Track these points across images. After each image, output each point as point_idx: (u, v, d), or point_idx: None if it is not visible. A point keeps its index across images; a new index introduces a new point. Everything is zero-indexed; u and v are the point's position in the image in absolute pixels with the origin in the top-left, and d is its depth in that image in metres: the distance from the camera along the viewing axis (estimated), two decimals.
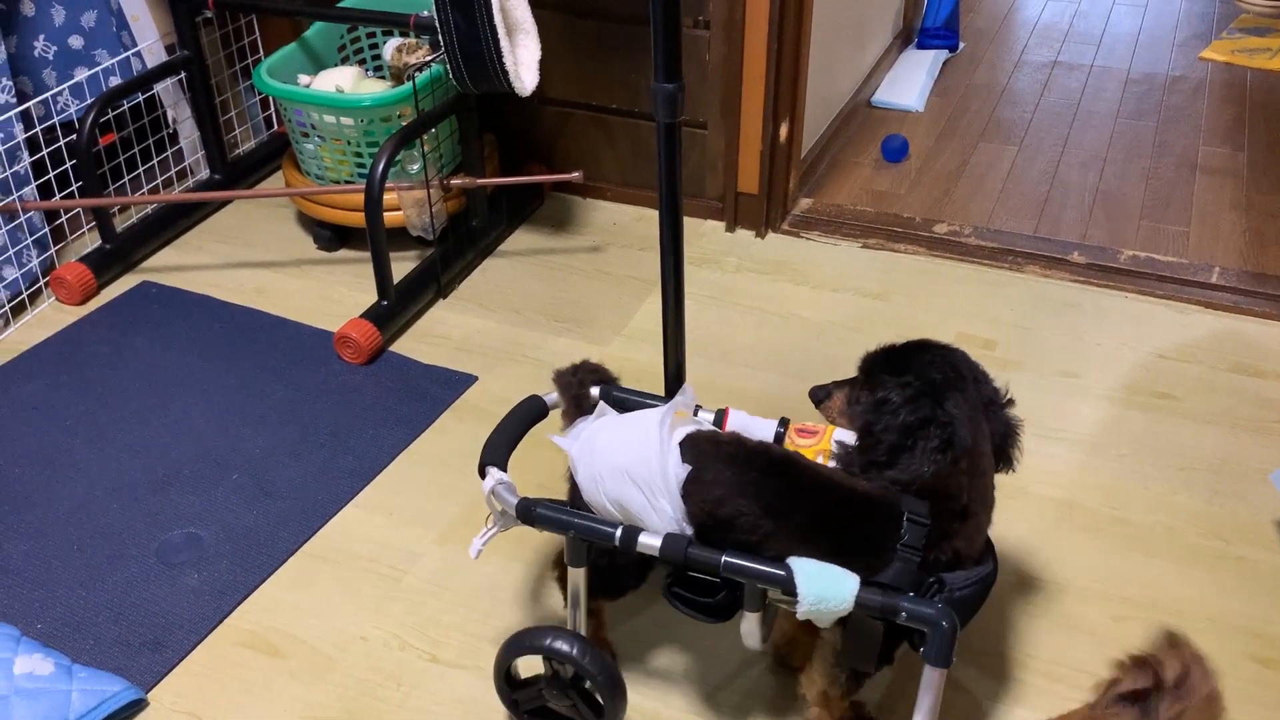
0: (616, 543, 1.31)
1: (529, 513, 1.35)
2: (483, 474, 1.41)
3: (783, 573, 1.24)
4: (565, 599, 1.50)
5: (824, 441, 1.45)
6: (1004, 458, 1.37)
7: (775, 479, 1.31)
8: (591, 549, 1.38)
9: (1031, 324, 2.35)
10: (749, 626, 1.34)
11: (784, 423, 1.49)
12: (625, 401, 1.53)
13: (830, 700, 1.42)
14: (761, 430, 1.49)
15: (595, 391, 1.53)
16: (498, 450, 1.45)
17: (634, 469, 1.32)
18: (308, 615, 1.72)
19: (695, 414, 1.52)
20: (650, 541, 1.29)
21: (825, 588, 1.23)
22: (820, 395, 1.43)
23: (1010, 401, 1.38)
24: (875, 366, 1.36)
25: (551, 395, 1.56)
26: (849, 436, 1.37)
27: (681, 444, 1.33)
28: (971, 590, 1.30)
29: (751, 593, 1.29)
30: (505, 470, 1.43)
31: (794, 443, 1.47)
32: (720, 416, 1.52)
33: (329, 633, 1.68)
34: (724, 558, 1.27)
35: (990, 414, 1.34)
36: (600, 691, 1.41)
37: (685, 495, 1.30)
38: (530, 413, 1.52)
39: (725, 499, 1.30)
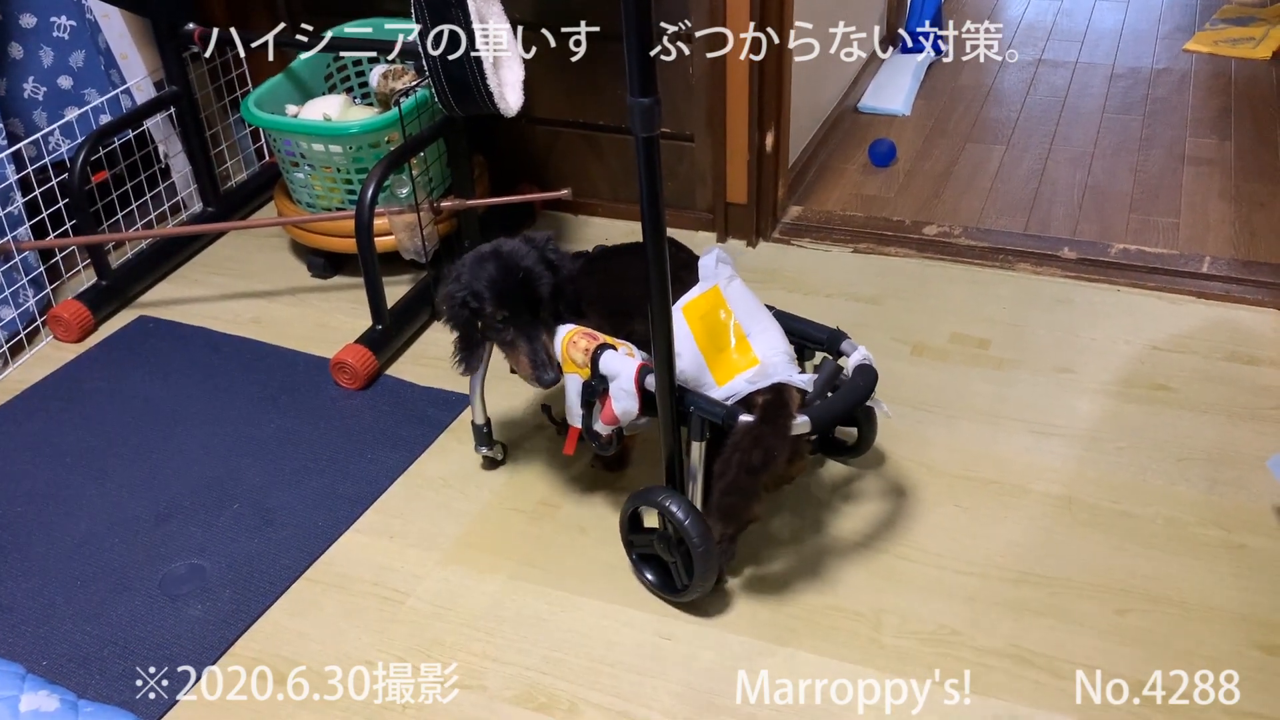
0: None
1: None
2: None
3: None
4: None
5: (577, 344, 1.72)
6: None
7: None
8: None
9: (1025, 321, 2.36)
10: None
11: (602, 347, 1.71)
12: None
13: None
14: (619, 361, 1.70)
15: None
16: None
17: None
18: (312, 641, 1.72)
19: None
20: None
21: None
22: (544, 365, 1.73)
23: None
24: (507, 293, 1.72)
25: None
26: (569, 329, 1.74)
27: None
28: None
29: None
30: None
31: (591, 342, 1.73)
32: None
33: (334, 658, 1.69)
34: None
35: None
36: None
37: None
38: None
39: None
